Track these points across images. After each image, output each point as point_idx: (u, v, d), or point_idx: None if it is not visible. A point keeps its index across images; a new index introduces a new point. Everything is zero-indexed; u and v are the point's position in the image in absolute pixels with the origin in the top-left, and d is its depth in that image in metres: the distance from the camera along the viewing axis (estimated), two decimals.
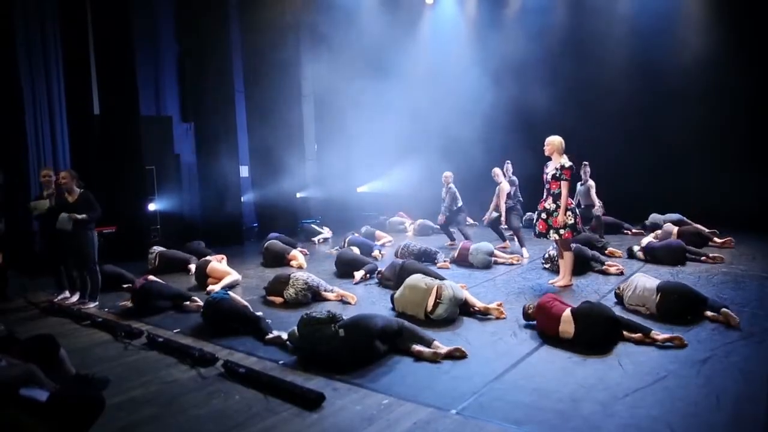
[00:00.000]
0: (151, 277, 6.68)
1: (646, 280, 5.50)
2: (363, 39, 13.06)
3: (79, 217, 6.35)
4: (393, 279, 6.73)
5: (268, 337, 4.95)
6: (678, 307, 5.11)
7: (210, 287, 6.98)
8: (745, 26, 10.56)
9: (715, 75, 10.65)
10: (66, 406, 3.26)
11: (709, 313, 5.06)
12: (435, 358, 4.31)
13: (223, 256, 8.02)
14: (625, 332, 4.59)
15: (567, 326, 4.60)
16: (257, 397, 3.85)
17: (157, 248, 8.73)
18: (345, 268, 7.75)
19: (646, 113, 11.76)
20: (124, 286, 7.20)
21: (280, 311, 6.04)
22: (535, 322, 5.01)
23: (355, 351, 4.30)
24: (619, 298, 5.70)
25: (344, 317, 4.56)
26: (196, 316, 5.82)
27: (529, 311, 5.08)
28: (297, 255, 8.78)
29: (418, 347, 4.42)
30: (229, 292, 5.83)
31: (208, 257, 7.83)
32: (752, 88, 10.54)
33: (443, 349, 4.40)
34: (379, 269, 7.30)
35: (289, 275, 6.49)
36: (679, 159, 11.31)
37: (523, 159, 10.12)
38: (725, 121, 10.77)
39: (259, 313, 5.45)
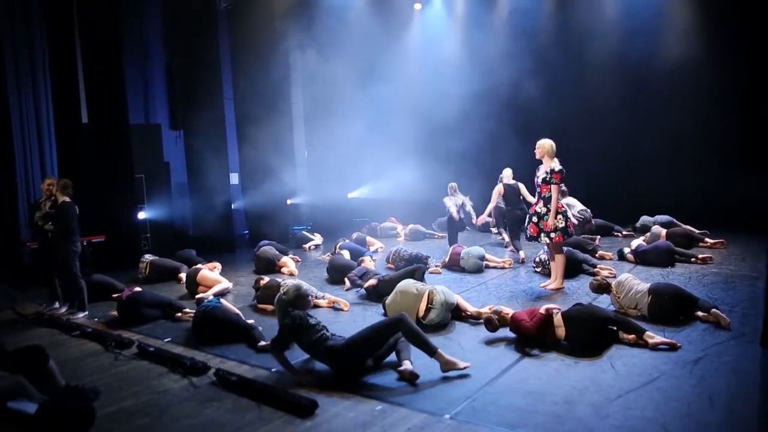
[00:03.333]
0: (138, 288, 6.61)
1: (637, 282, 5.53)
2: (353, 44, 13.06)
3: (46, 227, 6.41)
4: (373, 294, 6.58)
5: (260, 344, 4.92)
6: (669, 308, 5.14)
7: (199, 295, 6.92)
8: (734, 27, 10.64)
9: (706, 75, 10.74)
10: (55, 419, 3.23)
11: (700, 314, 5.10)
12: (411, 379, 4.04)
13: (217, 264, 7.95)
14: (620, 332, 4.61)
15: (558, 330, 4.62)
16: (250, 405, 3.82)
17: (148, 257, 8.68)
18: (337, 275, 7.74)
19: (636, 114, 11.83)
20: (114, 295, 7.13)
21: (271, 319, 6.00)
22: (508, 330, 4.93)
23: (346, 370, 4.24)
24: (598, 292, 5.69)
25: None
26: (187, 324, 5.79)
27: (498, 322, 4.90)
28: (287, 262, 8.75)
29: (404, 367, 4.15)
30: (222, 300, 5.79)
31: (198, 265, 7.77)
32: (743, 89, 10.62)
33: (448, 359, 4.15)
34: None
35: (280, 283, 6.43)
36: (669, 160, 11.38)
37: (515, 160, 10.08)
38: (715, 122, 10.83)
39: (251, 321, 5.42)
